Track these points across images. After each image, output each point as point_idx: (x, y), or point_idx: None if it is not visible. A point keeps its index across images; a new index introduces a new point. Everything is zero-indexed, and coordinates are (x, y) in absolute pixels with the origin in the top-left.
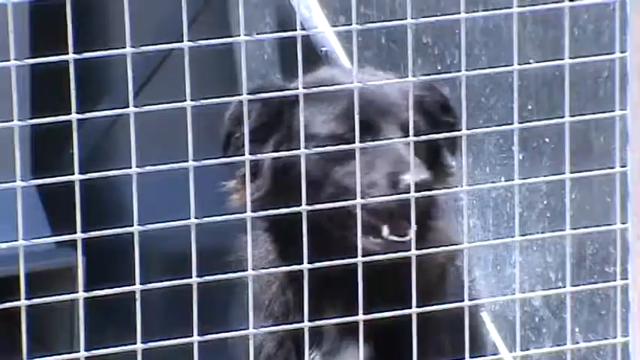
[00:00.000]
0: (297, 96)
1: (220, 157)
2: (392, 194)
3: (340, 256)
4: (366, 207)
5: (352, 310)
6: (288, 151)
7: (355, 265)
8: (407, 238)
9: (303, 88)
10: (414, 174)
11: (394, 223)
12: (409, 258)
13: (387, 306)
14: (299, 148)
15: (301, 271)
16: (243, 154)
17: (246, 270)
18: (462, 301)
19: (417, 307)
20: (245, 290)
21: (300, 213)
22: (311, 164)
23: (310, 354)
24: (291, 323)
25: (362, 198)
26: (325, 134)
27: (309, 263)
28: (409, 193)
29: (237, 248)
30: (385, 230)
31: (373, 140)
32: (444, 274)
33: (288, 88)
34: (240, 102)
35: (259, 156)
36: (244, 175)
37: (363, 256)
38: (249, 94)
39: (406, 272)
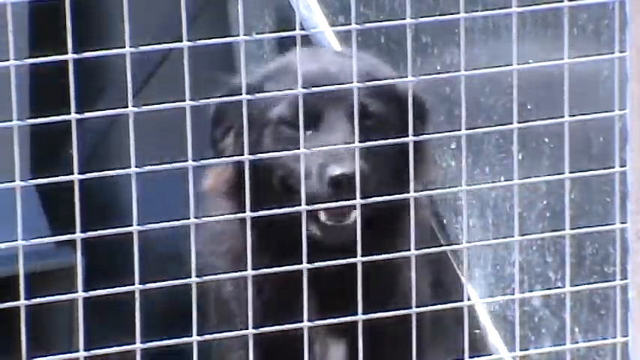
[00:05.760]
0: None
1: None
2: (320, 185)
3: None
4: (307, 196)
5: (326, 310)
6: (250, 138)
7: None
8: (346, 222)
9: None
10: (345, 167)
11: (332, 209)
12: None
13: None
14: (259, 134)
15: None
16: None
17: None
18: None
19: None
20: None
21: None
22: (264, 148)
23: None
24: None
25: (298, 185)
26: (275, 119)
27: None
28: (336, 184)
29: None
30: (322, 216)
31: (317, 128)
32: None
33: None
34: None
35: (259, 156)
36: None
37: (310, 243)
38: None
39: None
